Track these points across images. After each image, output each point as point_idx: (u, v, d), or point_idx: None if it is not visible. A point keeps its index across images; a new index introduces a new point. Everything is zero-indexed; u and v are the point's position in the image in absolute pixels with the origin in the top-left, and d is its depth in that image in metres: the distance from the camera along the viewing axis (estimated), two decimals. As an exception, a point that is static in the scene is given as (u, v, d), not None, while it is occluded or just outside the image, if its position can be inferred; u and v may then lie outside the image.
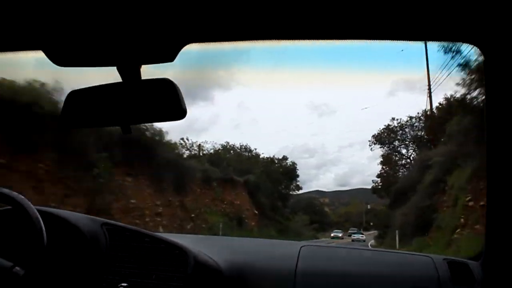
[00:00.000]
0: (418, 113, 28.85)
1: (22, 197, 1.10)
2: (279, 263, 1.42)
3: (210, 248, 1.46)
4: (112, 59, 0.87)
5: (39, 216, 1.07)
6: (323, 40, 0.86)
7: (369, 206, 53.08)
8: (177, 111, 0.88)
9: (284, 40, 0.86)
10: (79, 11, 0.77)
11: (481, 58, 0.92)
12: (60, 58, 0.86)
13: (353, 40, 0.85)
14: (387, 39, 0.84)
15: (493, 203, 1.04)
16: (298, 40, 0.86)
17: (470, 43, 0.88)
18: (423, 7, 0.75)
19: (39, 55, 0.85)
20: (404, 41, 0.86)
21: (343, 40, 0.85)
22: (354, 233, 31.84)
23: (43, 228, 1.07)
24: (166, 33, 0.83)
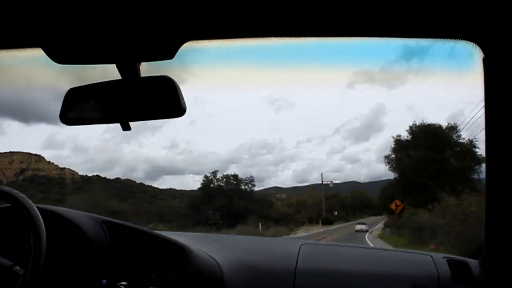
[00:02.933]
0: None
1: (22, 195, 1.09)
2: (279, 261, 1.42)
3: (209, 246, 1.46)
4: (111, 56, 0.87)
5: (39, 214, 1.07)
6: (321, 37, 0.86)
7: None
8: (176, 109, 0.88)
9: (284, 37, 0.86)
10: (78, 9, 0.77)
11: (479, 56, 0.92)
12: (59, 55, 0.86)
13: (352, 38, 0.85)
14: (385, 36, 0.84)
15: (492, 202, 1.04)
16: (299, 37, 0.86)
17: (469, 40, 0.88)
18: (421, 5, 0.75)
19: (38, 52, 0.86)
20: (401, 39, 0.86)
21: (342, 37, 0.85)
22: (358, 224, 33.98)
23: (43, 226, 1.07)
24: (165, 30, 0.83)
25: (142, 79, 0.91)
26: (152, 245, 1.29)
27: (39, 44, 0.85)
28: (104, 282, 1.24)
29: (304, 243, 1.52)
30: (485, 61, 0.92)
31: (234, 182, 41.33)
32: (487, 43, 0.88)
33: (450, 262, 1.35)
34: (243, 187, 41.47)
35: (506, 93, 0.90)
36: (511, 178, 0.95)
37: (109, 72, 0.90)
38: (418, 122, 30.83)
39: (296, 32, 0.85)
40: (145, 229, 1.35)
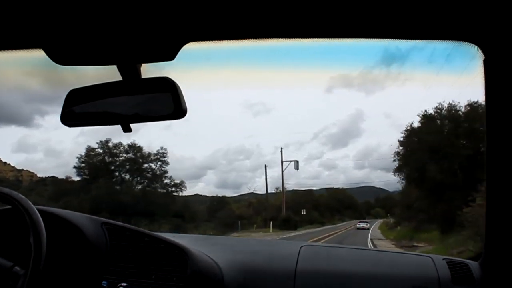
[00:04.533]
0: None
1: (22, 196, 1.09)
2: (279, 263, 1.42)
3: (209, 248, 1.46)
4: (112, 57, 0.88)
5: (39, 215, 1.07)
6: (322, 39, 0.86)
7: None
8: (177, 110, 0.88)
9: (284, 39, 0.87)
10: (79, 10, 0.77)
11: (480, 57, 0.92)
12: (61, 57, 0.86)
13: (353, 39, 0.85)
14: (386, 38, 0.84)
15: (492, 204, 1.04)
16: (299, 39, 0.86)
17: (470, 42, 0.88)
18: (421, 6, 0.75)
19: (40, 53, 0.86)
20: (401, 40, 0.86)
21: (343, 39, 0.85)
22: (359, 222, 34.15)
23: (43, 227, 1.06)
24: (166, 32, 0.83)
25: (143, 80, 0.91)
26: (152, 247, 1.29)
27: (40, 45, 0.85)
28: (104, 283, 1.24)
29: (304, 245, 1.52)
30: (486, 62, 0.92)
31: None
32: (487, 44, 0.89)
33: (450, 263, 1.35)
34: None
35: (507, 94, 0.91)
36: (511, 179, 0.95)
37: (110, 73, 0.90)
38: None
39: (293, 34, 0.85)
40: (145, 230, 1.35)
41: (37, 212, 1.08)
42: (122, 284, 1.23)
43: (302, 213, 35.94)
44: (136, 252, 1.28)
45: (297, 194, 42.91)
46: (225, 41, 0.86)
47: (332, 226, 37.53)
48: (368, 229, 29.61)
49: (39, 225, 1.06)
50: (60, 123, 0.93)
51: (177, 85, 0.88)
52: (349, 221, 45.46)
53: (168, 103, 0.88)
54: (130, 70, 0.89)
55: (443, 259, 1.39)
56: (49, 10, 0.77)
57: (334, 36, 0.86)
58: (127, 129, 0.94)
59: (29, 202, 1.09)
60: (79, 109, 0.94)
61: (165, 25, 0.82)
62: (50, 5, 0.76)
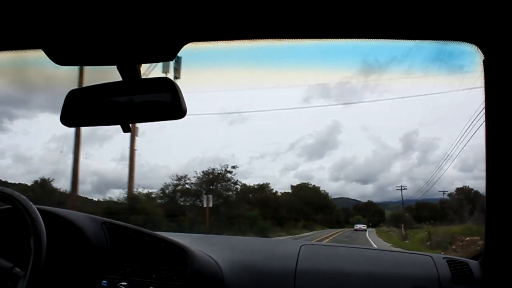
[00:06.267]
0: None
1: (23, 196, 1.10)
2: (279, 262, 1.42)
3: (210, 247, 1.46)
4: (112, 58, 0.88)
5: (39, 215, 1.07)
6: (323, 39, 0.86)
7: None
8: (177, 110, 0.88)
9: (284, 40, 0.87)
10: (79, 10, 0.77)
11: (480, 58, 0.92)
12: (60, 57, 0.86)
13: (351, 39, 0.85)
14: (385, 39, 0.84)
15: (492, 203, 1.04)
16: (299, 39, 0.86)
17: (470, 42, 0.88)
18: (421, 6, 0.75)
19: (39, 54, 0.86)
20: (400, 41, 0.86)
21: (342, 39, 0.85)
22: (356, 224, 34.97)
23: (43, 227, 1.07)
24: (165, 32, 0.83)
25: (143, 80, 0.91)
26: (152, 246, 1.29)
27: (40, 46, 0.85)
28: (104, 282, 1.24)
29: (304, 244, 1.52)
30: (486, 62, 0.92)
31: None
32: (487, 44, 0.88)
33: (450, 262, 1.35)
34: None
35: (506, 95, 0.90)
36: (511, 179, 0.95)
37: (109, 73, 0.90)
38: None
39: (302, 35, 0.85)
40: (146, 230, 1.36)
41: (38, 212, 1.08)
42: (123, 283, 1.24)
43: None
44: (137, 252, 1.29)
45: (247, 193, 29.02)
46: (224, 41, 0.86)
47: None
48: (365, 230, 30.18)
49: (39, 225, 1.06)
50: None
51: (177, 85, 0.88)
52: (321, 231, 32.45)
53: (167, 103, 0.88)
54: (129, 70, 0.89)
55: (443, 258, 1.39)
56: (49, 10, 0.77)
57: (334, 36, 0.86)
58: (126, 129, 0.94)
59: (30, 202, 1.09)
60: (78, 109, 0.94)
61: (165, 26, 0.82)
62: (50, 5, 0.76)
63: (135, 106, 0.91)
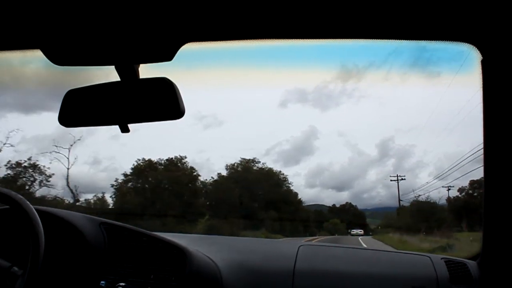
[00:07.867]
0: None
1: (21, 196, 1.09)
2: (278, 262, 1.42)
3: (208, 247, 1.46)
4: (110, 58, 0.88)
5: (37, 215, 1.07)
6: (324, 40, 0.86)
7: None
8: (175, 111, 0.88)
9: (284, 40, 0.87)
10: (77, 10, 0.77)
11: (478, 58, 0.92)
12: (58, 57, 0.86)
13: (349, 40, 0.85)
14: (383, 39, 0.85)
15: (490, 204, 1.04)
16: (298, 40, 0.86)
17: (468, 42, 0.88)
18: (419, 7, 0.75)
19: (37, 54, 0.86)
20: (399, 41, 0.86)
21: (341, 40, 0.85)
22: (352, 230, 33.85)
23: (41, 227, 1.06)
24: (164, 32, 0.83)
25: (141, 80, 0.91)
26: (150, 247, 1.29)
27: (38, 46, 0.85)
28: (103, 283, 1.24)
29: (302, 244, 1.52)
30: (484, 63, 0.92)
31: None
32: (485, 45, 0.89)
33: (448, 263, 1.35)
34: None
35: (504, 95, 0.91)
36: (509, 179, 0.96)
37: (108, 73, 0.90)
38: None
39: (301, 35, 0.85)
40: (144, 230, 1.35)
41: (36, 212, 1.08)
42: (121, 284, 1.23)
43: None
44: (135, 252, 1.29)
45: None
46: (222, 41, 0.86)
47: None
48: (362, 235, 29.16)
49: (37, 225, 1.06)
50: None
51: (175, 85, 0.88)
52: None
53: (166, 103, 0.88)
54: (128, 71, 0.89)
55: (442, 258, 1.39)
56: (47, 10, 0.77)
57: (334, 36, 0.86)
58: (125, 130, 0.94)
59: (28, 202, 1.09)
60: (76, 109, 0.94)
61: (163, 26, 0.82)
62: (48, 5, 0.76)
63: (134, 106, 0.91)
